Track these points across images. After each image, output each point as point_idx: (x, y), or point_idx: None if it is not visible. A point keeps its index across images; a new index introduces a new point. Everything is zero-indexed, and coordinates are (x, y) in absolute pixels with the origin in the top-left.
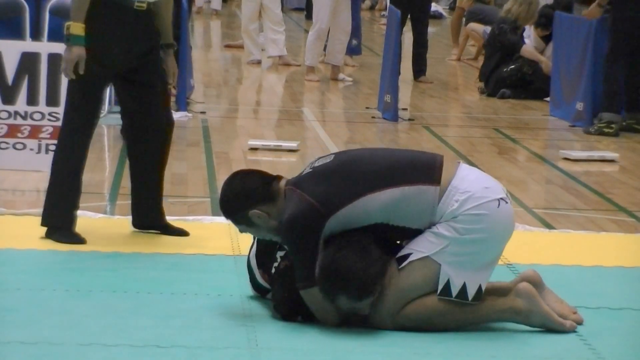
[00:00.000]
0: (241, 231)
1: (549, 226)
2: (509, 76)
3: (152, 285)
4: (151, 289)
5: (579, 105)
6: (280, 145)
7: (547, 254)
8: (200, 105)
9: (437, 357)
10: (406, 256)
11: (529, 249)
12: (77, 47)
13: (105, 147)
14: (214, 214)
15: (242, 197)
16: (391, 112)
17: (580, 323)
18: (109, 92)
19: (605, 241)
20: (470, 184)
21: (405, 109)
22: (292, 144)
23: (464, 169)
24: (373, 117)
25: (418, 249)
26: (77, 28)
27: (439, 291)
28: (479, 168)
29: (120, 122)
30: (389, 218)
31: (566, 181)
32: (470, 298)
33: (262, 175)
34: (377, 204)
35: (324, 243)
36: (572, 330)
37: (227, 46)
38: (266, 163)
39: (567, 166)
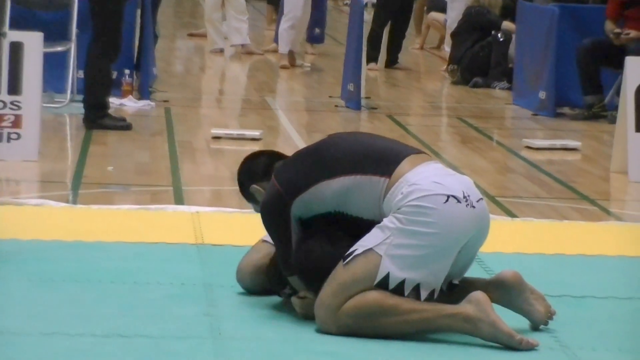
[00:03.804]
0: (255, 210)
1: (511, 214)
2: (481, 49)
3: (115, 275)
4: (114, 279)
5: (542, 94)
6: (243, 134)
7: (510, 242)
8: (163, 94)
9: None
10: (352, 252)
11: (491, 237)
12: None
13: (68, 136)
14: (177, 202)
15: (246, 173)
16: (354, 101)
17: (534, 345)
18: (70, 81)
19: (568, 230)
20: (421, 177)
21: (368, 98)
22: (255, 133)
23: (429, 164)
24: (336, 106)
25: (363, 243)
26: None
27: (376, 283)
28: (441, 157)
29: (83, 111)
30: (341, 206)
31: (529, 170)
32: (405, 294)
33: (270, 154)
34: (330, 191)
35: (303, 228)
36: (522, 348)
37: (191, 35)
38: (229, 152)
39: (529, 155)
